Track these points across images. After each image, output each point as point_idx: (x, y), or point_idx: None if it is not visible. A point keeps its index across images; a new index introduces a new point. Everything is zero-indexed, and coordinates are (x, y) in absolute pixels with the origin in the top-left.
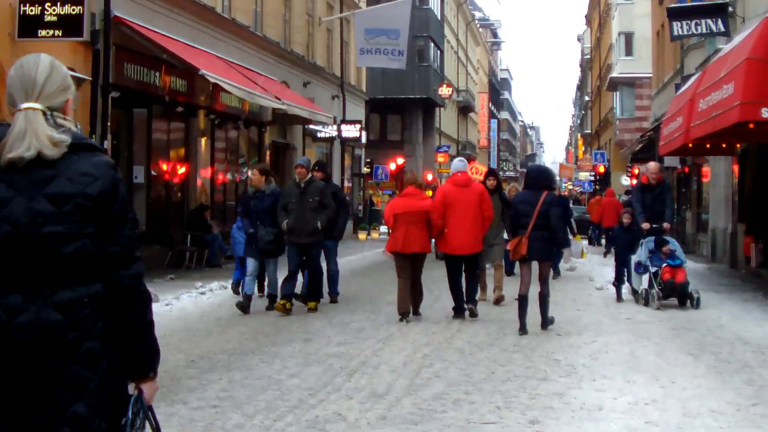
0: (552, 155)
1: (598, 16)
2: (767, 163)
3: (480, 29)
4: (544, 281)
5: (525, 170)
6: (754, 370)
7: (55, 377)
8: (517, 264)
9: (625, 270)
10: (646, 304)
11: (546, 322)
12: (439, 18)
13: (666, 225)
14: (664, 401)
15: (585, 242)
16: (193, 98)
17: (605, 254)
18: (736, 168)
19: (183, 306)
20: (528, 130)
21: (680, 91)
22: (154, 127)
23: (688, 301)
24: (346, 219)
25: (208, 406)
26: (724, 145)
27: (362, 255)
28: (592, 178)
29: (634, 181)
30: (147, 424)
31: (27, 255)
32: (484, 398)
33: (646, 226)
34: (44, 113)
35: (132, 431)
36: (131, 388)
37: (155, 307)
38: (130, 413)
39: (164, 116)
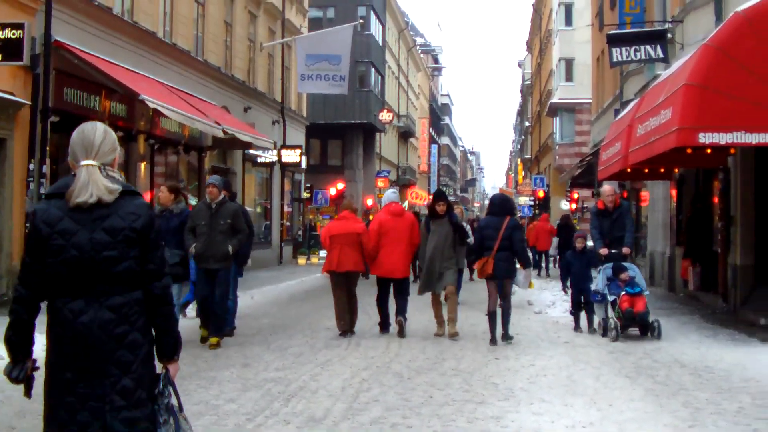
0: (492, 180)
1: (539, 42)
2: (705, 188)
3: (421, 55)
4: (505, 297)
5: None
6: (690, 392)
7: (108, 360)
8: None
9: (582, 298)
10: (604, 334)
11: (506, 335)
12: (380, 44)
13: (625, 250)
14: (602, 424)
15: (532, 271)
16: (133, 123)
17: (563, 288)
18: (674, 192)
19: None
20: (468, 155)
21: (619, 116)
22: None
23: (649, 332)
24: (250, 244)
25: None
26: (662, 170)
27: (301, 280)
28: (532, 203)
29: (573, 206)
30: (172, 396)
31: (88, 272)
32: (422, 422)
33: (603, 251)
34: (100, 168)
35: (162, 399)
36: (160, 368)
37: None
38: (161, 385)
39: None
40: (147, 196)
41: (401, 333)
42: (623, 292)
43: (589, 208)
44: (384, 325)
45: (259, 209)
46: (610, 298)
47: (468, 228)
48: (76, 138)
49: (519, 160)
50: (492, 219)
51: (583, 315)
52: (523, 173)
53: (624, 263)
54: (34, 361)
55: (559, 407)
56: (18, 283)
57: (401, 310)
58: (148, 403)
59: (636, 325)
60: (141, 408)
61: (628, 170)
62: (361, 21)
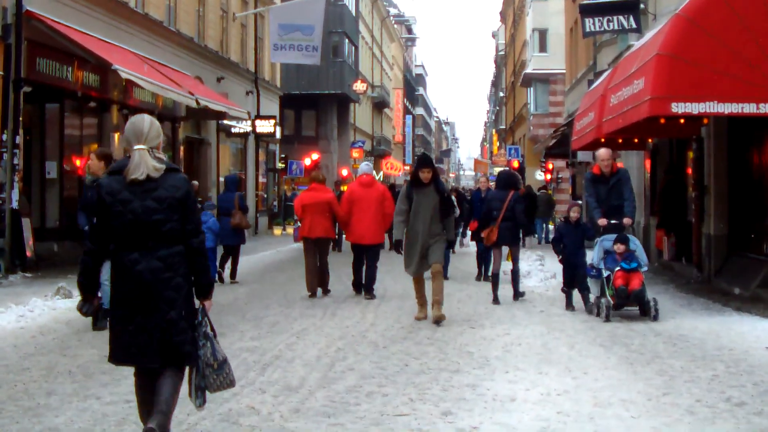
0: (467, 150)
1: (513, 12)
2: (678, 158)
3: (395, 25)
4: (515, 260)
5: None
6: (665, 360)
7: (157, 298)
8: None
9: (577, 274)
10: (598, 314)
11: (517, 294)
12: (353, 14)
13: (626, 220)
14: (576, 392)
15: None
16: (106, 93)
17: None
18: (647, 163)
19: None
20: (443, 125)
21: (593, 86)
22: (66, 122)
23: (647, 309)
24: None
25: (122, 401)
26: (636, 140)
27: (277, 250)
28: None
29: (548, 176)
30: (208, 326)
31: (141, 231)
32: (397, 390)
33: (602, 222)
34: (149, 151)
35: (200, 328)
36: (198, 303)
37: (71, 303)
38: (200, 317)
39: (77, 111)
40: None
41: (369, 297)
42: (618, 268)
43: (564, 178)
44: (357, 286)
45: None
46: (605, 273)
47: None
48: (129, 127)
49: (494, 130)
50: (498, 192)
51: (576, 293)
52: (498, 144)
53: (624, 235)
54: (99, 298)
55: (534, 375)
56: (87, 239)
57: (369, 283)
58: (189, 331)
59: (631, 304)
60: (185, 333)
61: (602, 140)
62: None
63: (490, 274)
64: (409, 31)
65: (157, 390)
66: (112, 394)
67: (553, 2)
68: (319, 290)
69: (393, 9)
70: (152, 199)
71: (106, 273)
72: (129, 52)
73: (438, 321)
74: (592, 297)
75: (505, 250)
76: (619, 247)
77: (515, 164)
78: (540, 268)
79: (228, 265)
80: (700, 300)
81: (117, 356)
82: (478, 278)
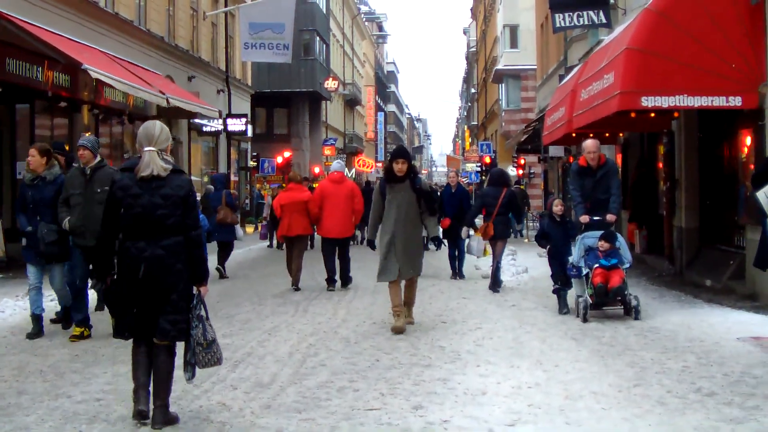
0: (440, 147)
1: (484, 9)
2: (649, 152)
3: (366, 23)
4: (500, 253)
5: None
6: (636, 352)
7: (161, 282)
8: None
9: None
10: (578, 315)
11: (497, 283)
12: (324, 12)
13: (610, 217)
14: (547, 385)
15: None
16: (77, 93)
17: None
18: (619, 157)
19: None
20: (415, 122)
21: (563, 81)
22: (37, 122)
23: (628, 307)
24: None
25: (92, 399)
26: (607, 135)
27: (249, 248)
28: (479, 169)
29: (520, 171)
30: (202, 309)
31: (148, 223)
32: (368, 385)
33: (584, 219)
34: (157, 153)
35: (195, 310)
36: (194, 290)
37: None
38: (195, 301)
39: (47, 112)
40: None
41: (346, 285)
42: (597, 265)
43: (536, 173)
44: (330, 281)
45: (206, 179)
46: (584, 271)
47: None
48: (142, 131)
49: (466, 126)
50: (492, 189)
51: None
52: (470, 140)
53: (611, 232)
54: (110, 279)
55: (506, 369)
56: (101, 229)
57: (344, 274)
58: (185, 312)
59: (612, 303)
60: (181, 313)
61: (573, 135)
62: None
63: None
64: (380, 28)
65: (155, 370)
66: (83, 392)
67: None
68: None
69: (364, 6)
70: (159, 195)
71: (57, 280)
72: (99, 51)
73: (406, 324)
74: (569, 297)
75: (481, 244)
76: (603, 245)
77: (487, 160)
78: (512, 263)
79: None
80: (672, 292)
81: (120, 331)
82: (453, 276)
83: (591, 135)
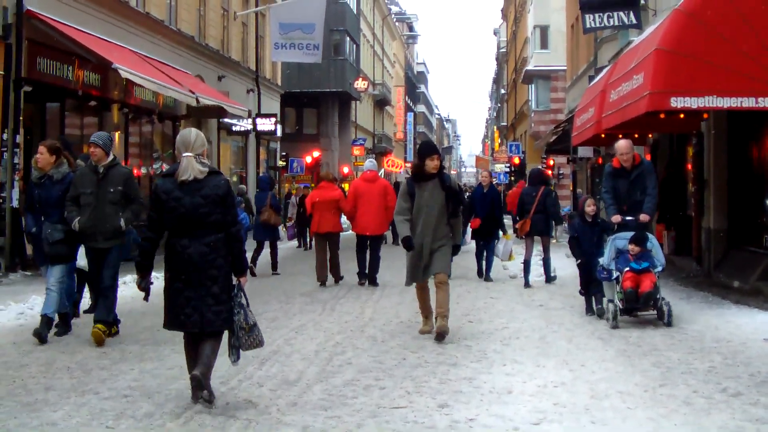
0: (469, 148)
1: (514, 9)
2: (678, 153)
3: (396, 23)
4: (546, 249)
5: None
6: (662, 353)
7: (204, 275)
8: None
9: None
10: (607, 319)
11: (549, 278)
12: (355, 12)
13: (643, 217)
14: (573, 384)
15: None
16: (107, 92)
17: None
18: (648, 158)
19: None
20: (444, 123)
21: (593, 82)
22: (67, 121)
23: (660, 313)
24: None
25: (119, 396)
26: (636, 135)
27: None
28: (508, 170)
29: (549, 172)
30: (243, 297)
31: (191, 221)
32: (394, 384)
33: (616, 219)
34: (195, 157)
35: (236, 299)
36: (234, 280)
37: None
38: (236, 290)
39: (77, 110)
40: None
41: (373, 283)
42: (627, 269)
43: (565, 174)
44: (361, 275)
45: (235, 178)
46: (615, 275)
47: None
48: (179, 139)
49: (495, 127)
50: (530, 188)
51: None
52: (499, 140)
53: (644, 233)
54: (151, 277)
55: (532, 368)
56: (146, 228)
57: (372, 273)
58: (227, 301)
59: (643, 309)
60: (224, 304)
61: (602, 136)
62: None
63: (505, 267)
64: (411, 28)
65: (200, 351)
66: (110, 389)
67: None
68: (331, 279)
69: (394, 7)
70: (200, 196)
71: (53, 277)
72: (130, 51)
73: (441, 335)
74: (604, 301)
75: (508, 247)
76: (633, 249)
77: (516, 160)
78: (540, 263)
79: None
80: (699, 293)
81: (170, 323)
82: (479, 274)
83: (620, 136)
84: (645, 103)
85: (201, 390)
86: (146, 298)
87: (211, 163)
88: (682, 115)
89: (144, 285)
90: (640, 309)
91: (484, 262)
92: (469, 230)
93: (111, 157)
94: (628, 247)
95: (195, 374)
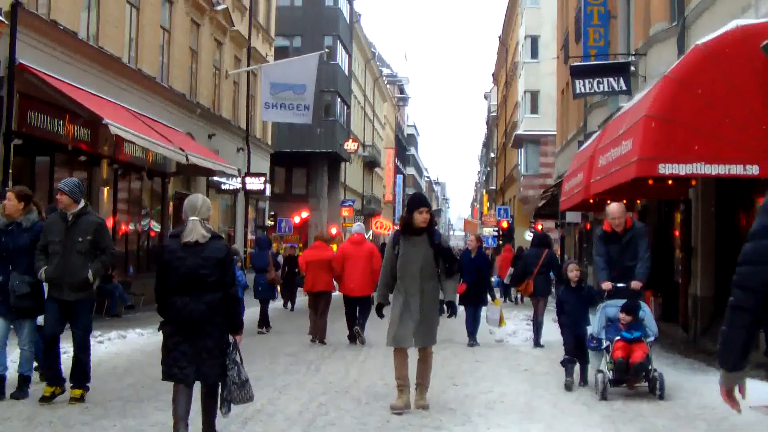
0: (458, 211)
1: (505, 74)
2: (667, 219)
3: (387, 85)
4: (541, 312)
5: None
6: (647, 419)
7: (201, 331)
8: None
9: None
10: (596, 391)
11: (537, 342)
12: (346, 73)
13: (635, 284)
14: None
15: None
16: (97, 147)
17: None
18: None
19: None
20: (434, 185)
21: (582, 147)
22: (56, 175)
23: (652, 386)
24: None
25: None
26: (624, 201)
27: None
28: (496, 234)
29: None
30: (237, 354)
31: (192, 281)
32: None
33: (606, 285)
34: (200, 222)
35: (231, 355)
36: (231, 338)
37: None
38: (231, 348)
39: (67, 165)
40: (110, 222)
41: (360, 340)
42: (618, 338)
43: (554, 239)
44: (352, 337)
45: (223, 236)
46: (605, 344)
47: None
48: (187, 203)
49: (484, 191)
50: (534, 250)
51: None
52: (488, 204)
53: (636, 301)
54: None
55: None
56: (156, 287)
57: (361, 323)
58: (222, 357)
59: (634, 380)
60: (218, 358)
61: (591, 201)
62: (327, 50)
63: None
64: (402, 91)
65: (204, 410)
66: None
67: (545, 64)
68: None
69: (386, 69)
70: (201, 257)
71: (23, 335)
72: (121, 107)
73: (420, 408)
74: (591, 371)
75: (496, 314)
76: (624, 318)
77: (504, 224)
78: (526, 327)
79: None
80: (686, 360)
81: (166, 374)
82: (470, 344)
83: (609, 201)
84: (633, 169)
85: None
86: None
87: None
88: (670, 182)
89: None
90: (631, 381)
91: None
92: (456, 297)
93: (81, 204)
94: (618, 315)
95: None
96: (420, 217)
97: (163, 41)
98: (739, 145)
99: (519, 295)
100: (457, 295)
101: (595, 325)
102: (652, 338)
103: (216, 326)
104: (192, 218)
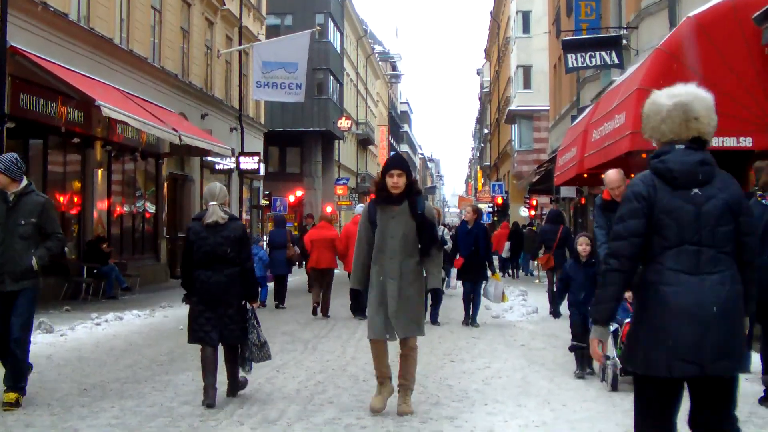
0: (452, 188)
1: (497, 49)
2: None
3: (380, 62)
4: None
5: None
6: None
7: (222, 300)
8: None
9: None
10: (604, 378)
11: (557, 312)
12: (338, 51)
13: None
14: (554, 424)
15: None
16: (90, 129)
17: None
18: None
19: (77, 337)
20: (428, 162)
21: (575, 122)
22: (50, 158)
23: None
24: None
25: None
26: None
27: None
28: (491, 210)
29: (532, 212)
30: (255, 319)
31: (213, 257)
32: (375, 423)
33: None
34: (219, 206)
35: (250, 321)
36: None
37: (51, 338)
38: (249, 314)
39: (60, 147)
40: (104, 203)
41: (359, 317)
42: (628, 320)
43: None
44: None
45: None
46: (612, 327)
47: (447, 234)
48: (207, 190)
49: (478, 167)
50: (550, 226)
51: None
52: (482, 180)
53: None
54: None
55: (513, 408)
56: (182, 264)
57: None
58: (240, 322)
59: None
60: (239, 324)
61: (585, 176)
62: (318, 28)
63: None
64: (394, 68)
65: (228, 369)
66: (90, 426)
67: (537, 39)
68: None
69: (378, 46)
70: (221, 237)
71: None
72: (113, 88)
73: (402, 414)
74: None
75: (498, 289)
76: (631, 297)
77: (499, 200)
78: (522, 303)
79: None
80: None
81: (192, 338)
82: (465, 322)
83: (602, 175)
84: (627, 142)
85: (236, 391)
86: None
87: (186, 199)
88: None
89: (186, 302)
90: None
91: (471, 306)
92: (454, 272)
93: (23, 182)
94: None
95: (214, 404)
96: (390, 182)
97: (154, 22)
98: (731, 118)
99: (536, 270)
100: (455, 273)
101: None
102: None
103: (235, 296)
104: (212, 203)
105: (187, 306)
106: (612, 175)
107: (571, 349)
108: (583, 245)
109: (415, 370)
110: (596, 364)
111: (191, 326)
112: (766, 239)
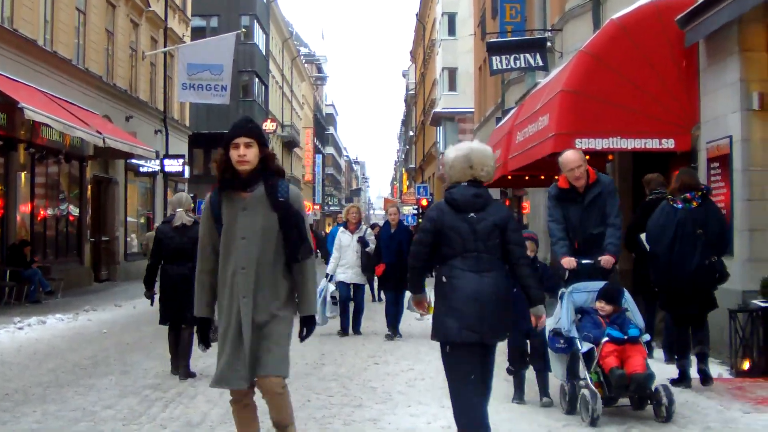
0: (377, 190)
1: (423, 52)
2: None
3: (305, 65)
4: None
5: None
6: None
7: (186, 290)
8: None
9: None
10: (572, 411)
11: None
12: (264, 53)
13: (605, 260)
14: None
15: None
16: (13, 132)
17: None
18: None
19: None
20: (353, 165)
21: (500, 124)
22: None
23: (657, 406)
24: None
25: None
26: (542, 177)
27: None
28: (416, 212)
29: None
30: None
31: (179, 253)
32: (298, 425)
33: (567, 263)
34: (185, 211)
35: None
36: None
37: None
38: None
39: None
40: (27, 207)
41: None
42: (605, 338)
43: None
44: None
45: (142, 220)
46: (583, 346)
47: (371, 236)
48: (174, 199)
49: (404, 169)
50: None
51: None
52: (407, 183)
53: (611, 284)
54: (155, 293)
55: (436, 409)
56: (150, 259)
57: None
58: None
59: (630, 396)
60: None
61: (509, 177)
62: (244, 30)
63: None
64: (320, 70)
65: (181, 344)
66: (11, 431)
67: (463, 41)
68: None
69: (304, 48)
70: (187, 237)
71: None
72: (37, 90)
73: None
74: (561, 379)
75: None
76: (604, 308)
77: (424, 203)
78: None
79: None
80: None
81: (162, 319)
82: (390, 337)
83: (527, 177)
84: (550, 144)
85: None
86: (152, 303)
87: (110, 201)
88: (587, 157)
89: (150, 297)
90: (629, 397)
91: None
92: (376, 279)
93: None
94: (592, 304)
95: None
96: (235, 155)
97: (79, 23)
98: (654, 120)
99: None
100: (376, 279)
101: (562, 317)
102: (647, 337)
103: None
104: (179, 209)
105: (150, 299)
106: (570, 155)
107: (509, 372)
108: (531, 250)
109: (289, 405)
110: (555, 388)
111: (161, 309)
112: (678, 238)
